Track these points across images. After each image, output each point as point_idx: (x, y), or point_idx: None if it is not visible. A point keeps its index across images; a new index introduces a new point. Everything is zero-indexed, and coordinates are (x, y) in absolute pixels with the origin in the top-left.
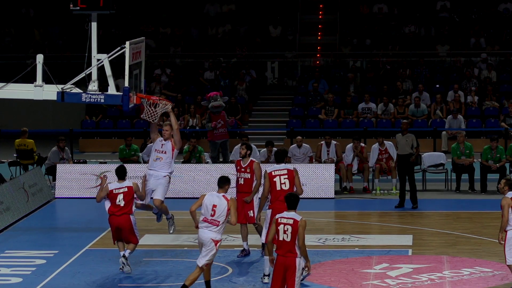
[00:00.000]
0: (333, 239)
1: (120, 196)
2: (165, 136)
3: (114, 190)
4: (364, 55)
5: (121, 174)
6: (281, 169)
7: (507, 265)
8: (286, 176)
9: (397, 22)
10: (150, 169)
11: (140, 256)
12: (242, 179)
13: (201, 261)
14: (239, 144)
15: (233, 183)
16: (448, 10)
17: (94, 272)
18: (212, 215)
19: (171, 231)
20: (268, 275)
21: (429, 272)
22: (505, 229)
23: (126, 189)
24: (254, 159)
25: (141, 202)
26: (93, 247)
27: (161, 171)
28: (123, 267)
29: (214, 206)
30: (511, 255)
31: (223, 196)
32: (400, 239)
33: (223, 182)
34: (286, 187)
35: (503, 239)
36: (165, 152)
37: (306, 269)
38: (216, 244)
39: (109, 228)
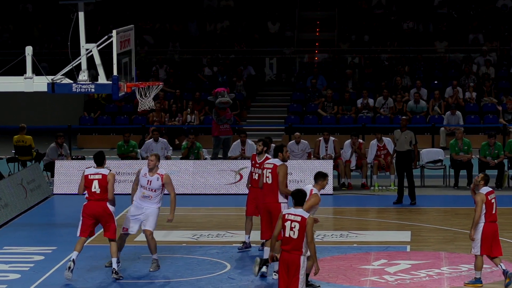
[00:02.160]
0: (331, 235)
1: (95, 183)
2: (149, 166)
3: (89, 176)
4: (362, 51)
5: (99, 160)
6: (270, 163)
7: (473, 254)
8: (270, 171)
9: (396, 18)
10: (140, 204)
11: (138, 252)
12: (257, 174)
13: None
14: (238, 141)
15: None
16: (446, 6)
17: (92, 268)
18: None
19: (151, 269)
20: (266, 260)
21: (427, 268)
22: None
23: (100, 176)
24: (269, 156)
25: (123, 232)
26: (91, 243)
27: (153, 205)
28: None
29: None
30: (476, 246)
31: (311, 190)
32: (399, 235)
33: (317, 177)
34: (269, 181)
35: (473, 236)
36: (155, 191)
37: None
38: None
39: None
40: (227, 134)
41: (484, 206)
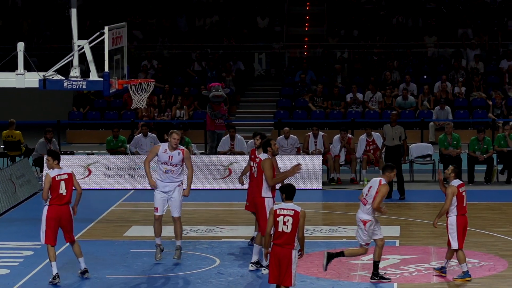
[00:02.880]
0: (320, 230)
1: (62, 184)
2: (173, 145)
3: (56, 177)
4: (351, 46)
5: (58, 156)
6: (259, 158)
7: (453, 249)
8: (257, 165)
9: (385, 13)
10: (163, 181)
11: (128, 247)
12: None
13: (359, 240)
14: (227, 136)
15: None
16: (435, 1)
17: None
18: (366, 195)
19: (175, 257)
20: (256, 263)
21: (416, 263)
22: (447, 215)
23: (66, 176)
24: None
25: (156, 213)
26: (80, 238)
27: (176, 180)
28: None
29: (370, 187)
30: (455, 240)
31: (380, 180)
32: (388, 230)
33: (385, 169)
34: (256, 175)
35: (436, 224)
36: (176, 165)
37: (299, 253)
38: (364, 224)
39: (97, 219)
40: (221, 129)
41: (455, 198)
